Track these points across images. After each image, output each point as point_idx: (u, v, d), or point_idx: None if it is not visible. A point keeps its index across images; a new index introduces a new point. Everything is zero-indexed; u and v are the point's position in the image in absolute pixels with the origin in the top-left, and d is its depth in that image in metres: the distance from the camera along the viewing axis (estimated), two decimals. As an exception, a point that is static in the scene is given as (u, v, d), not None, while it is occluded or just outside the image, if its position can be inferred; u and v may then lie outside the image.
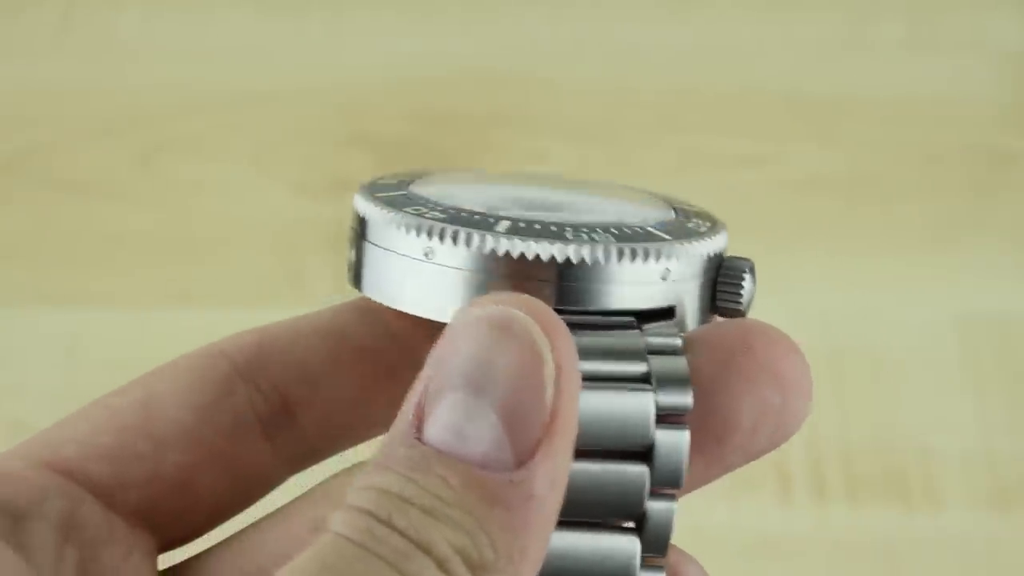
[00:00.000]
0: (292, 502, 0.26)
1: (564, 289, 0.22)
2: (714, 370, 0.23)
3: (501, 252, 0.22)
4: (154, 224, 0.57)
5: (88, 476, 0.23)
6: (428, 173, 0.26)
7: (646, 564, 0.23)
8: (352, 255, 0.25)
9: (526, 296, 0.20)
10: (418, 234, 0.23)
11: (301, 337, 0.26)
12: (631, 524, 0.22)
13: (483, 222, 0.23)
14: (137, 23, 0.64)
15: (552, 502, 0.19)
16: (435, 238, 0.23)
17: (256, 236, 0.56)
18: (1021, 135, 0.60)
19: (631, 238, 0.23)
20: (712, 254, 0.24)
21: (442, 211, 0.23)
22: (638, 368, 0.22)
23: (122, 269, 0.55)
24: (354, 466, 0.25)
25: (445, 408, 0.19)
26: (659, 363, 0.22)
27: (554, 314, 0.20)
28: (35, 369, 0.51)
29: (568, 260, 0.22)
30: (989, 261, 0.55)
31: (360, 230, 0.24)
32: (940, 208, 0.57)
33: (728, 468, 0.24)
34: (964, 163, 0.59)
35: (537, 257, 0.22)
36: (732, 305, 0.24)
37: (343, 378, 0.25)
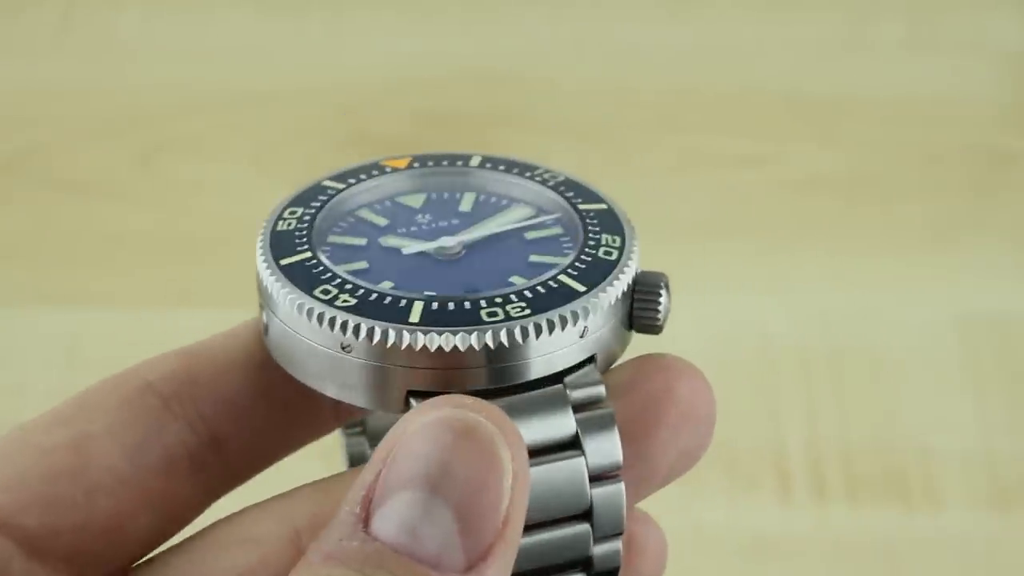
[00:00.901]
0: (219, 523, 0.25)
1: (488, 372, 0.22)
2: (638, 419, 0.24)
3: (418, 347, 0.22)
4: (154, 224, 0.57)
5: (20, 527, 0.23)
6: (338, 196, 0.26)
7: None
8: (262, 318, 0.24)
9: (484, 402, 0.20)
10: (332, 328, 0.22)
11: (229, 368, 0.25)
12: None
13: (395, 309, 0.22)
14: (137, 23, 0.64)
15: None
16: (350, 334, 0.22)
17: (256, 236, 0.56)
18: (1021, 135, 0.60)
19: (546, 302, 0.23)
20: (627, 287, 0.24)
21: (351, 291, 0.23)
22: (566, 431, 0.23)
23: (122, 269, 0.55)
24: (294, 490, 0.25)
25: (401, 505, 0.19)
26: (586, 422, 0.23)
27: (511, 423, 0.20)
28: (35, 369, 0.51)
29: (487, 347, 0.22)
30: (989, 261, 0.55)
31: (267, 304, 0.24)
32: (940, 208, 0.57)
33: (637, 500, 0.25)
34: (964, 163, 0.59)
35: (456, 348, 0.22)
36: (650, 323, 0.24)
37: (270, 407, 0.25)
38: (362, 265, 0.24)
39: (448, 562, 0.18)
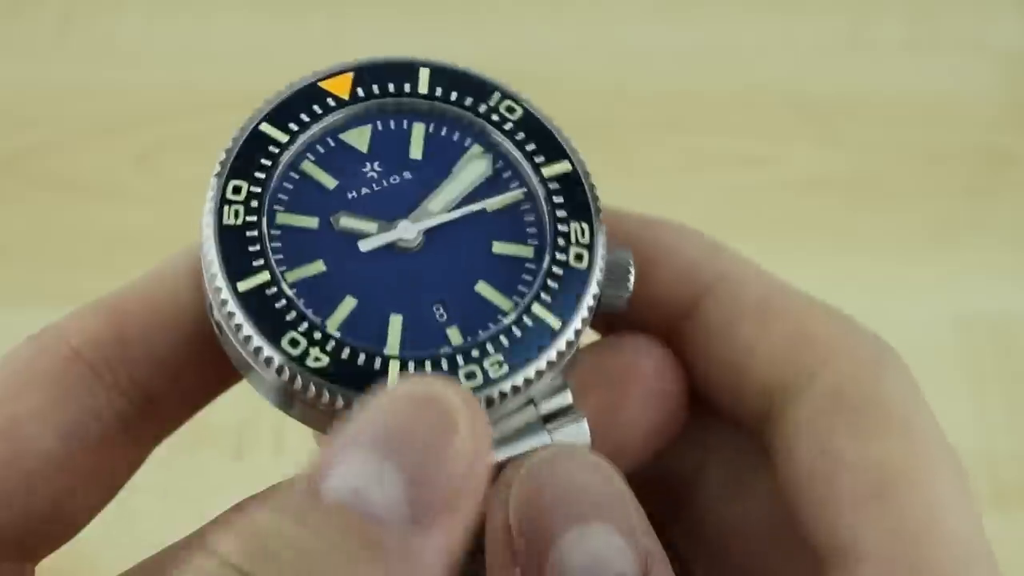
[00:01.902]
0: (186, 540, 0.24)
1: None
2: (604, 399, 0.24)
3: None
4: (154, 224, 0.57)
5: None
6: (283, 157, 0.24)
7: None
8: (211, 315, 0.23)
9: (450, 379, 0.20)
10: (304, 390, 0.21)
11: (159, 324, 0.24)
12: None
13: (370, 374, 0.21)
14: (137, 23, 0.64)
15: (434, 569, 0.18)
16: (324, 397, 0.21)
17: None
18: (1021, 135, 0.60)
19: (523, 350, 0.22)
20: (594, 298, 0.23)
21: (321, 344, 0.21)
22: (542, 444, 0.23)
23: (122, 269, 0.55)
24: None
25: (352, 466, 0.18)
26: (558, 430, 0.23)
27: (476, 402, 0.20)
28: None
29: None
30: (989, 261, 0.55)
31: (224, 325, 0.23)
32: (940, 208, 0.57)
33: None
34: (964, 163, 0.59)
35: None
36: (617, 302, 0.24)
37: (203, 359, 0.24)
38: (319, 268, 0.23)
39: (394, 520, 0.18)
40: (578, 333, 0.23)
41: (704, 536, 0.26)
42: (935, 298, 0.54)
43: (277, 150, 0.24)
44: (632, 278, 0.23)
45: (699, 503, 0.26)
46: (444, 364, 0.22)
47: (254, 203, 0.23)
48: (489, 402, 0.22)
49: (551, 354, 0.22)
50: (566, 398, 0.23)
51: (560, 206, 0.24)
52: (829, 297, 0.25)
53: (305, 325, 0.22)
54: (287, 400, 0.23)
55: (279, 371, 0.22)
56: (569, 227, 0.23)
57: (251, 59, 0.63)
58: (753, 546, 0.26)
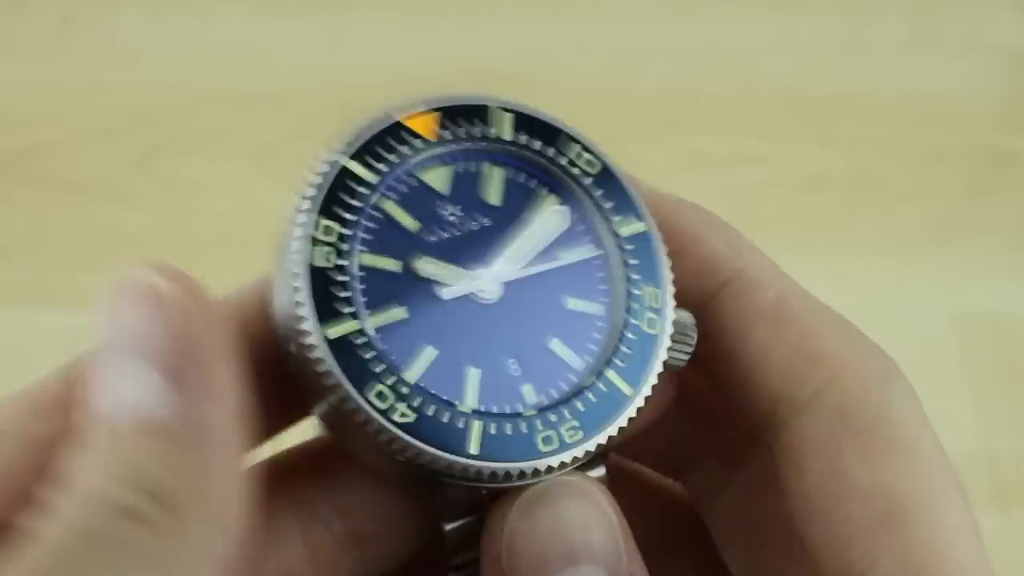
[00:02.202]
0: None
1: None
2: None
3: (473, 475, 0.22)
4: (154, 224, 0.57)
5: None
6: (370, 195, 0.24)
7: None
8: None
9: (167, 263, 0.21)
10: (388, 444, 0.22)
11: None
12: None
13: (453, 433, 0.22)
14: (137, 23, 0.64)
15: (227, 435, 0.19)
16: (408, 452, 0.22)
17: (256, 236, 0.56)
18: (1021, 135, 0.60)
19: (598, 417, 0.23)
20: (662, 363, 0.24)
21: (407, 400, 0.22)
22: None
23: (122, 269, 0.55)
24: None
25: (111, 377, 0.19)
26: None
27: (190, 277, 0.21)
28: (35, 369, 0.51)
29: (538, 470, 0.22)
30: (989, 261, 0.55)
31: (296, 371, 0.23)
32: (940, 208, 0.57)
33: None
34: (964, 163, 0.59)
35: (508, 474, 0.22)
36: (677, 362, 0.24)
37: (268, 395, 0.24)
38: (400, 315, 0.23)
39: (166, 409, 0.19)
40: (647, 400, 0.23)
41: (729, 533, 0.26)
42: (935, 298, 0.54)
43: (366, 191, 0.24)
44: (695, 340, 0.24)
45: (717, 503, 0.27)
46: (524, 427, 0.22)
47: (344, 246, 0.23)
48: (562, 465, 0.22)
49: (623, 420, 0.23)
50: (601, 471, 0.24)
51: (634, 268, 0.24)
52: (829, 297, 0.25)
53: (392, 379, 0.22)
54: (342, 433, 0.23)
55: (366, 423, 0.22)
56: (642, 290, 0.24)
57: (251, 59, 0.63)
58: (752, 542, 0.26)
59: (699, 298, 0.24)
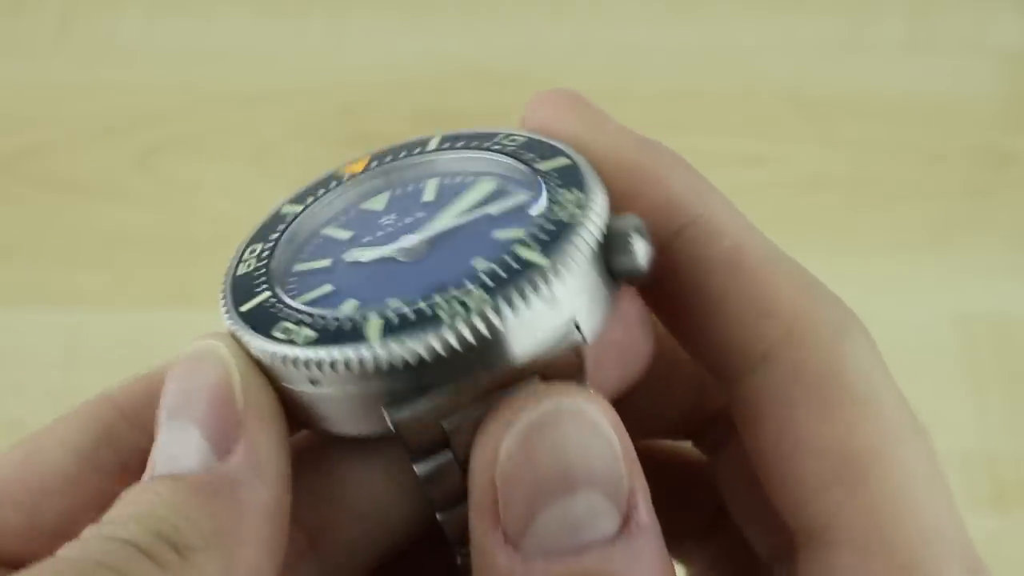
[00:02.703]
0: None
1: (469, 369, 0.21)
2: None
3: (385, 367, 0.21)
4: (154, 224, 0.57)
5: None
6: (297, 221, 0.25)
7: None
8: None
9: (212, 333, 0.22)
10: (296, 367, 0.22)
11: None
12: None
13: (353, 332, 0.21)
14: (137, 23, 0.64)
15: (257, 487, 0.21)
16: (314, 369, 0.22)
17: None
18: (1021, 135, 0.60)
19: (507, 283, 0.21)
20: (596, 241, 0.22)
21: (310, 325, 0.22)
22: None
23: (122, 269, 0.55)
24: None
25: (162, 438, 0.22)
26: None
27: (233, 342, 0.22)
28: (35, 369, 0.51)
29: (454, 348, 0.21)
30: (989, 261, 0.55)
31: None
32: (940, 208, 0.57)
33: None
34: (964, 163, 0.59)
35: (422, 359, 0.21)
36: (631, 271, 0.23)
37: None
38: (326, 289, 0.23)
39: (202, 465, 0.21)
40: (569, 273, 0.22)
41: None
42: (935, 298, 0.54)
43: (292, 217, 0.25)
44: (645, 248, 0.23)
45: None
46: (424, 307, 0.21)
47: (265, 254, 0.24)
48: (477, 336, 0.21)
49: (533, 278, 0.21)
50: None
51: (557, 184, 0.23)
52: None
53: (296, 317, 0.22)
54: (293, 408, 0.22)
55: (283, 362, 0.22)
56: (564, 196, 0.23)
57: (251, 59, 0.63)
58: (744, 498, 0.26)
59: (656, 243, 0.24)
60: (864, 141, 0.60)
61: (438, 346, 0.21)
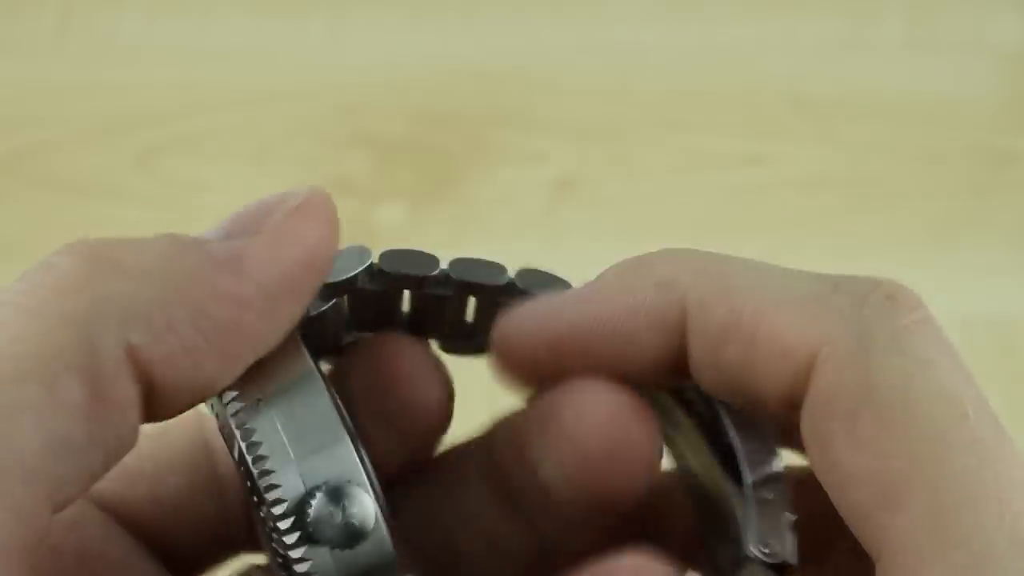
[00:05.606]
0: None
1: None
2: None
3: None
4: (154, 224, 0.56)
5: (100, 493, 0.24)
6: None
7: None
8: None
9: None
10: None
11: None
12: None
13: None
14: (137, 23, 0.64)
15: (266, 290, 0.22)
16: None
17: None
18: (1021, 135, 0.60)
19: None
20: None
21: None
22: None
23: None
24: None
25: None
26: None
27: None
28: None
29: None
30: (989, 261, 0.55)
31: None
32: (940, 208, 0.57)
33: None
34: (964, 163, 0.59)
35: None
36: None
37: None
38: None
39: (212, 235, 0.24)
40: None
41: None
42: (935, 298, 0.53)
43: None
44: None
45: None
46: None
47: None
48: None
49: None
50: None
51: None
52: (829, 297, 0.25)
53: None
54: None
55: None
56: None
57: (251, 59, 0.63)
58: None
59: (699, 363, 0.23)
60: (864, 141, 0.60)
61: None
